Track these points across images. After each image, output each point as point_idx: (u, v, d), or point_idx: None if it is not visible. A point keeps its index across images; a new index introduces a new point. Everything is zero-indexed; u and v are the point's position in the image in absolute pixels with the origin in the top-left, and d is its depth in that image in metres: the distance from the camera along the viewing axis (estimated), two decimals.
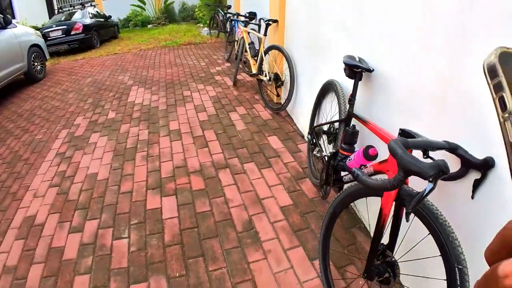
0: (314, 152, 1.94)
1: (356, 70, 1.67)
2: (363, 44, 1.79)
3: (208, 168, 2.49)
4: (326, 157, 1.84)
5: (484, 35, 1.03)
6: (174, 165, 2.56)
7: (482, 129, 1.06)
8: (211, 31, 8.55)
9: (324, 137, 2.15)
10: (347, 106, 1.85)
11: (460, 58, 1.14)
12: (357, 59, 1.74)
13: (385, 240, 1.23)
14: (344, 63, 1.70)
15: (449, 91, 1.21)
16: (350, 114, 1.72)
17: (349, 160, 1.61)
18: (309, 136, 2.30)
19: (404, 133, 1.22)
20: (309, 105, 2.69)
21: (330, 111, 2.24)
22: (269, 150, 2.68)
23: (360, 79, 1.69)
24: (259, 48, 3.40)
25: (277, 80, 3.19)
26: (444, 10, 1.20)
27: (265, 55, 3.26)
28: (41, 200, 2.38)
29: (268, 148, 2.72)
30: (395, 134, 1.28)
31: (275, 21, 3.12)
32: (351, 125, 1.72)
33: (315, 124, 2.49)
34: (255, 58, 3.56)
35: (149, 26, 12.92)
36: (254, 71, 3.53)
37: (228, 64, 5.51)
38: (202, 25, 10.48)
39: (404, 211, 1.15)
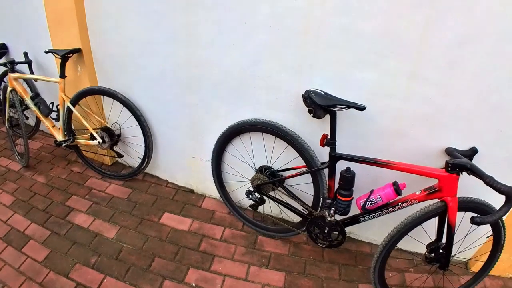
0: (329, 218, 1.58)
1: (333, 109, 1.43)
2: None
3: None
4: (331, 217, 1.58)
5: None
6: None
7: None
8: None
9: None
10: (310, 150, 1.62)
11: None
12: (323, 93, 1.48)
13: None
14: (317, 103, 1.41)
15: None
16: (335, 158, 1.51)
17: (372, 203, 1.48)
18: (250, 195, 1.82)
19: (454, 166, 1.29)
20: (186, 153, 2.07)
21: (250, 158, 1.86)
22: (185, 237, 1.89)
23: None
24: (60, 99, 2.04)
25: (112, 136, 2.10)
26: None
27: (74, 107, 2.00)
28: None
29: (181, 235, 1.90)
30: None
31: (77, 50, 1.91)
32: (346, 169, 1.52)
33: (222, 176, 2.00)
34: (55, 117, 2.13)
35: None
36: (60, 137, 2.12)
37: None
38: None
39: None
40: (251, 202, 1.85)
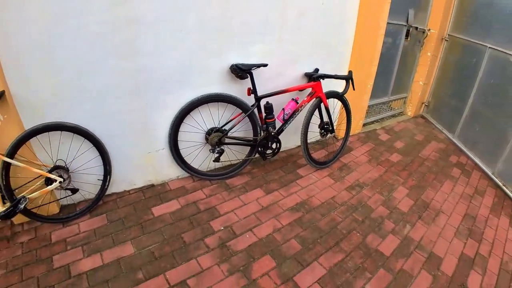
0: (272, 132, 2.55)
1: (251, 70, 2.32)
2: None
3: None
4: (272, 135, 2.53)
5: None
6: None
7: None
8: None
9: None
10: (244, 100, 2.44)
11: None
12: (241, 64, 2.30)
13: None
14: (243, 69, 2.30)
15: None
16: (259, 99, 2.44)
17: (287, 114, 2.57)
18: (215, 149, 2.41)
19: (317, 77, 2.58)
20: (141, 152, 2.39)
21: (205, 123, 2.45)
22: (185, 211, 2.29)
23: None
24: None
25: (66, 171, 1.94)
26: None
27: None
28: None
29: (180, 212, 2.28)
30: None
31: (1, 94, 1.62)
32: (266, 102, 2.48)
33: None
34: None
35: None
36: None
37: None
38: None
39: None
40: (215, 156, 2.44)
